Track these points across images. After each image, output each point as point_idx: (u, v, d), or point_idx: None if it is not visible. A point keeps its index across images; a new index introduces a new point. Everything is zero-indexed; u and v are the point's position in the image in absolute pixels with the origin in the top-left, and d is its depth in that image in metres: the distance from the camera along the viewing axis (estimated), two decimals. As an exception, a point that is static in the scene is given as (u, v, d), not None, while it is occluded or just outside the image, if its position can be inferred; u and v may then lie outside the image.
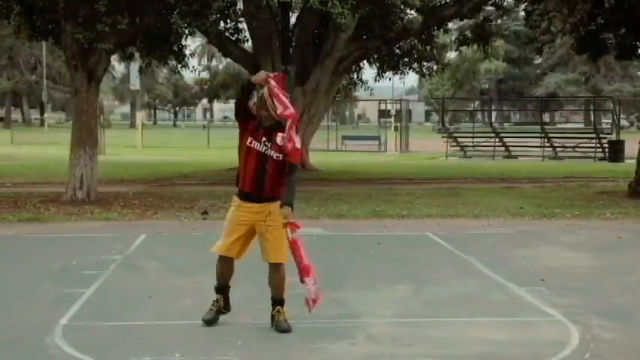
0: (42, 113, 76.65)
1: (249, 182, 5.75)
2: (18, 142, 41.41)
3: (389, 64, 22.47)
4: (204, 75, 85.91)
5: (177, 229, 11.49)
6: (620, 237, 10.45)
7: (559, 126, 59.14)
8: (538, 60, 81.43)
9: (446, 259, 9.06)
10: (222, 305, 6.07)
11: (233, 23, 19.30)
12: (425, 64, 22.42)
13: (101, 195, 14.88)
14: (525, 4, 18.81)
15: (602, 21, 14.13)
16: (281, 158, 5.71)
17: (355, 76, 24.29)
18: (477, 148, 32.65)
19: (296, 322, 5.94)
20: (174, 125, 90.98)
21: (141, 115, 43.70)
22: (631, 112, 78.86)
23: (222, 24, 18.45)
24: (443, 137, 33.12)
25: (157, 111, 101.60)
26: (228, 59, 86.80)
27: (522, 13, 20.34)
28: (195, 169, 23.33)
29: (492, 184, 18.67)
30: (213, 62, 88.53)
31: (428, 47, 21.58)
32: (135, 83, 38.43)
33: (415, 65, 22.45)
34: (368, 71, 21.74)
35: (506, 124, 60.24)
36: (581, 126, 54.76)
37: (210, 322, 5.95)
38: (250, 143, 5.70)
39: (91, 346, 5.43)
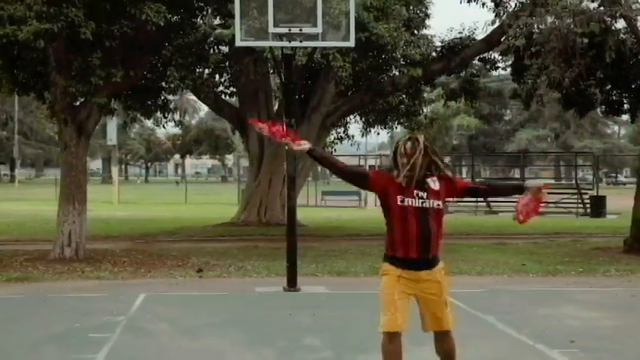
0: (12, 169, 75.70)
1: (414, 246, 5.03)
2: (-12, 199, 40.61)
3: (376, 118, 22.45)
4: (177, 130, 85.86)
5: (175, 288, 11.08)
6: (634, 296, 10.21)
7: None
8: (508, 116, 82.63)
9: (463, 318, 8.68)
10: None
11: (228, 77, 19.15)
12: (413, 118, 22.41)
13: (89, 252, 14.41)
14: (512, 59, 18.92)
15: (601, 76, 14.17)
16: (441, 206, 5.11)
17: (342, 131, 24.22)
18: (458, 203, 32.54)
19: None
20: (146, 181, 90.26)
21: (116, 171, 43.15)
22: (600, 168, 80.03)
23: (217, 77, 18.29)
24: (424, 193, 33.00)
25: (128, 166, 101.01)
26: (201, 115, 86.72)
27: (508, 70, 20.36)
28: (179, 226, 22.87)
29: (484, 240, 18.46)
30: (186, 118, 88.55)
31: (416, 102, 21.61)
32: (112, 138, 37.98)
33: (403, 120, 22.44)
34: (353, 126, 21.75)
35: (477, 179, 60.68)
36: (552, 181, 55.17)
37: None
38: (402, 202, 5.05)
39: (116, 419, 5.02)
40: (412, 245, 4.99)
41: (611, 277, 12.12)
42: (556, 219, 28.07)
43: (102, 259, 14.04)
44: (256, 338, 7.55)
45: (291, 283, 10.77)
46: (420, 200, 4.99)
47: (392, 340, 5.10)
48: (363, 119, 23.27)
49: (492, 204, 32.44)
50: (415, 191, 5.00)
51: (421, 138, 5.09)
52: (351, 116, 23.31)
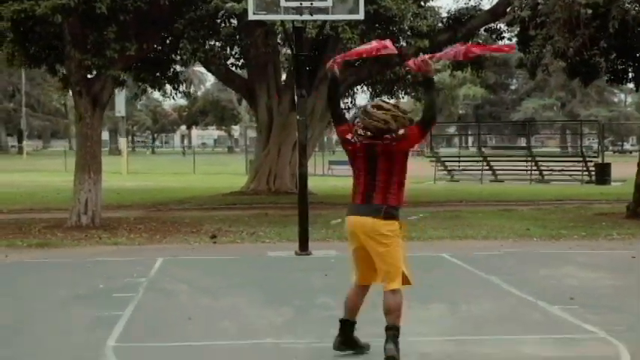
0: (20, 141, 76.15)
1: (357, 194, 5.60)
2: (-1, 169, 41.08)
3: (383, 88, 22.73)
4: (183, 102, 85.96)
5: (190, 253, 11.47)
6: (635, 257, 10.58)
7: (538, 150, 59.65)
8: (514, 85, 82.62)
9: (469, 279, 9.14)
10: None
11: (239, 49, 19.43)
12: (420, 88, 22.66)
13: (104, 220, 14.82)
14: (517, 30, 19.13)
15: (604, 45, 14.42)
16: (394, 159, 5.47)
17: (349, 101, 24.51)
18: (464, 171, 32.91)
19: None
20: (153, 152, 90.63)
21: (125, 142, 43.53)
22: (606, 137, 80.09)
23: (228, 50, 18.57)
24: (431, 161, 33.36)
25: (135, 138, 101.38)
26: (207, 86, 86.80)
27: (514, 40, 20.56)
28: (189, 195, 23.27)
29: (489, 207, 18.81)
30: (192, 89, 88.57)
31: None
32: (120, 110, 38.31)
33: (409, 90, 22.72)
34: (360, 96, 22.11)
35: (483, 149, 60.86)
36: (557, 150, 55.36)
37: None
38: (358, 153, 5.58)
39: (147, 367, 5.42)
40: (358, 194, 5.51)
41: (613, 241, 12.48)
42: (561, 186, 28.45)
43: (117, 226, 14.46)
44: (272, 297, 7.95)
45: (303, 247, 11.16)
46: (371, 151, 5.44)
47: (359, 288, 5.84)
48: (371, 89, 23.55)
49: (498, 172, 32.81)
50: (368, 142, 5.43)
51: (385, 104, 5.56)
52: (359, 87, 23.58)
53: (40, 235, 13.38)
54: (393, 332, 5.44)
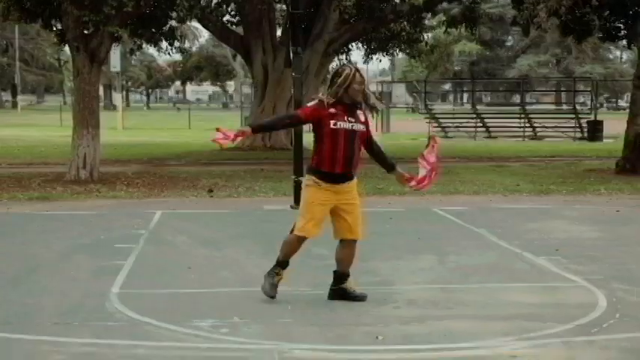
0: (14, 95, 75.96)
1: (340, 163, 5.82)
2: (-7, 124, 41.11)
3: (378, 45, 22.85)
4: (178, 57, 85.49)
5: (188, 206, 11.76)
6: (619, 211, 10.91)
7: (533, 107, 59.88)
8: (510, 42, 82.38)
9: (459, 232, 9.46)
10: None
11: (235, 6, 19.49)
12: (414, 45, 22.82)
13: (102, 174, 15.07)
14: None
15: (597, 2, 14.57)
16: (365, 130, 5.92)
17: (344, 58, 24.62)
18: (458, 128, 33.12)
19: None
20: (148, 107, 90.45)
21: (120, 97, 43.55)
22: (601, 94, 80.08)
23: (224, 7, 18.63)
24: (425, 118, 33.54)
25: (129, 93, 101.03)
26: (201, 41, 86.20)
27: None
28: (185, 150, 23.50)
29: (482, 163, 19.13)
30: (187, 44, 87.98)
31: (417, 29, 21.98)
32: (116, 65, 38.31)
33: (404, 47, 22.85)
34: (355, 53, 22.21)
35: (478, 106, 61.01)
36: (552, 107, 55.48)
37: (274, 296, 6.04)
38: (335, 125, 5.81)
39: (150, 311, 5.71)
40: (338, 162, 5.80)
41: (600, 196, 12.81)
42: (554, 143, 28.75)
43: (115, 180, 14.72)
44: (269, 249, 8.19)
45: (298, 201, 11.42)
46: (350, 124, 5.82)
47: (300, 240, 6.08)
48: (365, 46, 23.65)
49: (491, 129, 33.03)
50: (346, 117, 5.82)
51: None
52: (354, 43, 23.68)
53: (40, 188, 13.64)
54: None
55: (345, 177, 5.89)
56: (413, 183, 6.13)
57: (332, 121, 5.80)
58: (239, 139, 5.95)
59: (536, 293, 6.37)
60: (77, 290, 6.41)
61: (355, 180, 6.00)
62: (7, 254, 8.00)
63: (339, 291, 6.11)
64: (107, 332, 5.22)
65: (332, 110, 5.82)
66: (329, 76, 6.22)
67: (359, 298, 6.07)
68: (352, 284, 6.13)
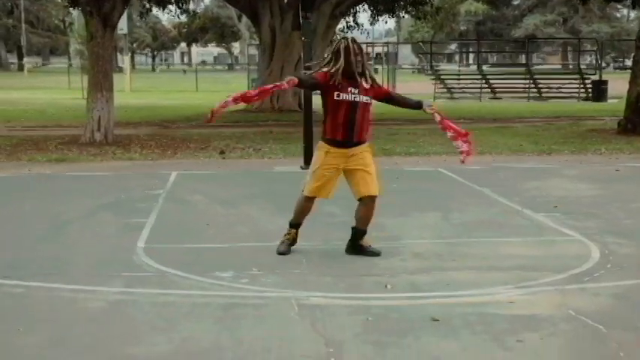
0: (20, 58, 76.11)
1: (343, 132, 6.21)
2: (1, 87, 41.41)
3: (385, 7, 23.06)
4: (183, 18, 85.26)
5: (202, 167, 12.18)
6: (619, 170, 11.31)
7: (539, 67, 59.90)
8: (517, 1, 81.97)
9: (463, 190, 9.88)
10: (295, 238, 6.62)
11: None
12: (420, 7, 23.02)
13: (116, 137, 15.49)
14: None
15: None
16: (369, 101, 6.27)
17: (351, 20, 24.85)
18: (463, 89, 33.39)
19: (343, 244, 6.69)
20: (153, 69, 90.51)
21: (128, 59, 43.78)
22: (607, 53, 79.86)
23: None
24: (431, 79, 33.80)
25: (135, 55, 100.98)
26: (206, 2, 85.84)
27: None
28: (194, 113, 23.86)
29: (486, 124, 19.46)
30: (192, 5, 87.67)
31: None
32: (123, 27, 38.38)
33: (410, 8, 23.06)
34: (362, 14, 22.36)
35: (484, 67, 61.11)
36: (559, 67, 55.49)
37: (284, 253, 6.48)
38: (338, 97, 6.18)
39: (175, 264, 6.16)
40: (341, 131, 6.22)
41: (601, 155, 13.21)
42: (558, 103, 29.03)
43: (129, 143, 15.14)
44: (282, 206, 8.63)
45: (308, 162, 11.84)
46: (353, 96, 6.18)
47: (307, 200, 6.52)
48: (372, 8, 23.86)
49: (497, 90, 33.28)
50: (350, 88, 6.16)
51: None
52: (360, 5, 23.89)
53: (57, 150, 14.08)
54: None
55: (351, 143, 6.27)
56: (463, 156, 6.48)
57: (335, 93, 6.17)
58: (285, 87, 6.20)
59: (534, 247, 6.81)
60: (105, 245, 6.87)
61: (366, 144, 6.36)
62: (35, 213, 8.45)
63: (356, 246, 6.54)
64: (138, 282, 5.68)
65: (335, 82, 6.17)
66: (330, 49, 6.55)
67: (373, 253, 6.49)
68: (367, 240, 6.55)
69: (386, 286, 5.59)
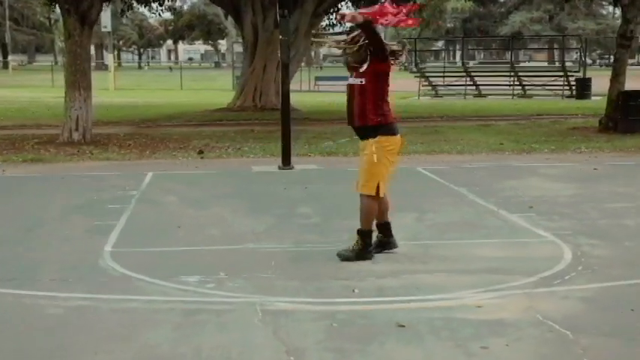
0: (5, 56, 75.60)
1: (348, 116, 6.34)
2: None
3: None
4: (169, 16, 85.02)
5: (179, 167, 12.08)
6: (596, 169, 11.28)
7: (524, 64, 59.93)
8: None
9: (440, 190, 9.81)
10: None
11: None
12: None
13: (95, 136, 15.35)
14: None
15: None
16: (364, 82, 6.12)
17: (334, 18, 24.72)
18: (448, 87, 33.35)
19: (314, 246, 6.61)
20: (139, 67, 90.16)
21: (112, 57, 43.54)
22: (593, 50, 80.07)
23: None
24: (415, 77, 33.74)
25: (120, 53, 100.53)
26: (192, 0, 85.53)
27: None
28: (177, 111, 23.74)
29: (469, 122, 19.44)
30: (178, 2, 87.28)
31: (406, -13, 22.09)
32: (107, 25, 38.23)
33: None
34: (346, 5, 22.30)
35: (471, 63, 61.16)
36: (545, 64, 55.61)
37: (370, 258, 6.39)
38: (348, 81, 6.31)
39: (141, 268, 6.06)
40: (348, 114, 6.33)
41: (581, 154, 13.17)
42: (541, 101, 29.03)
43: (108, 142, 15.01)
44: (255, 207, 8.60)
45: (286, 162, 11.78)
46: (351, 79, 6.23)
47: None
48: (355, 6, 23.74)
49: (481, 88, 33.26)
50: (352, 72, 6.23)
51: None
52: (343, 3, 23.82)
53: (34, 150, 13.94)
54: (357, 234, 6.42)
55: (355, 128, 6.32)
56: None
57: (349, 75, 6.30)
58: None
59: (506, 248, 6.75)
60: (72, 249, 6.76)
61: (376, 139, 6.23)
62: (5, 215, 8.34)
63: (380, 241, 6.54)
64: (101, 287, 5.58)
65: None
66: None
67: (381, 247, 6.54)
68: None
69: (353, 291, 5.52)
